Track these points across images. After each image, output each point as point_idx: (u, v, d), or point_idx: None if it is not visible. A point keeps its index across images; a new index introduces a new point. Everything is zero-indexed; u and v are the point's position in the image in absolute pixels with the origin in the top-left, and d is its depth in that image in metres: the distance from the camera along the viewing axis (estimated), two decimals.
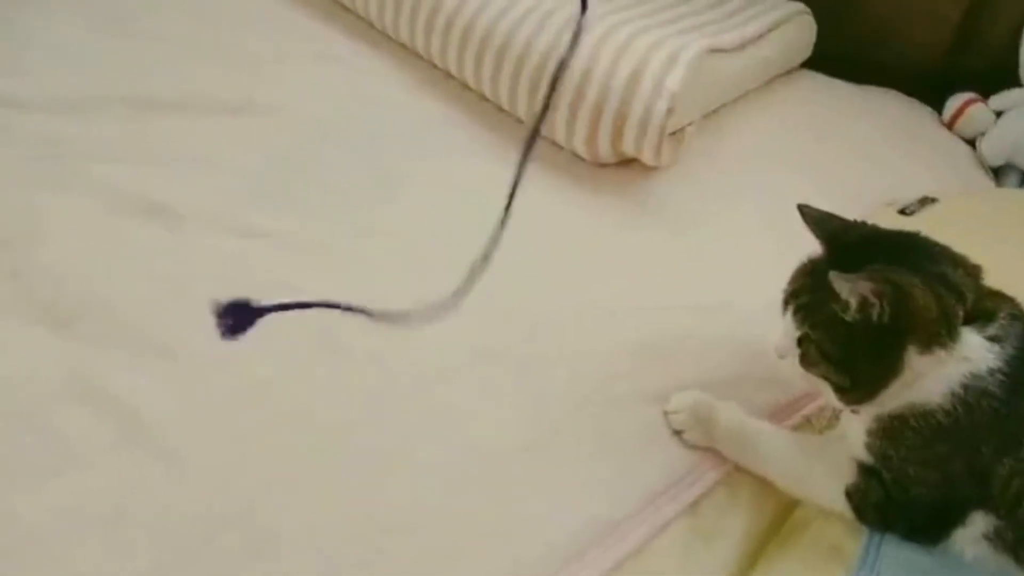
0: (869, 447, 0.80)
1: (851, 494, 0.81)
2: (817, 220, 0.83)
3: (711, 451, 0.90)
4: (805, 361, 0.81)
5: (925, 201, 1.17)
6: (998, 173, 1.33)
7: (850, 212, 1.09)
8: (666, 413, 0.92)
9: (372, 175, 1.16)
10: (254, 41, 1.33)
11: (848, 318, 0.75)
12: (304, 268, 1.04)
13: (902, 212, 1.16)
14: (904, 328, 0.75)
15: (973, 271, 0.81)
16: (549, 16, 1.21)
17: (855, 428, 0.82)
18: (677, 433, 0.91)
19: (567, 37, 1.17)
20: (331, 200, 1.12)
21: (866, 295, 0.74)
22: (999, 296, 0.81)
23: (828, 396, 0.82)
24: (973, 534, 0.78)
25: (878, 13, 1.37)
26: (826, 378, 0.80)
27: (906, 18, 1.37)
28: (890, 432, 0.78)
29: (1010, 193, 1.30)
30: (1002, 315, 0.78)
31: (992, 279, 0.83)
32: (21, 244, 1.02)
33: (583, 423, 0.92)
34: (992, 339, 0.76)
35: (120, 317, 0.97)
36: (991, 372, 0.75)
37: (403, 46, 1.37)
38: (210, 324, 0.96)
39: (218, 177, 1.13)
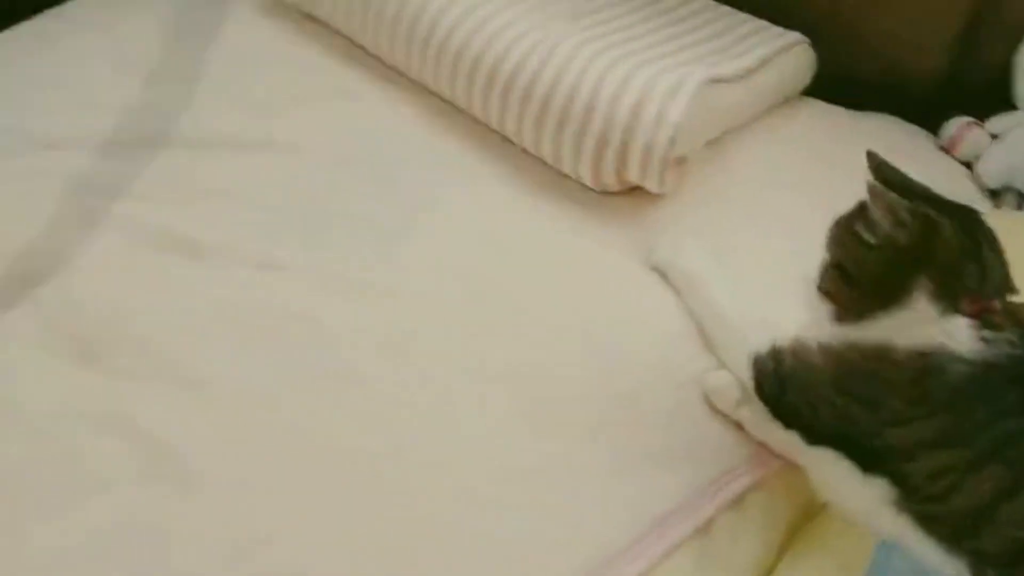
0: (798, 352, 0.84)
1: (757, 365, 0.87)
2: (883, 168, 0.84)
3: (719, 472, 0.93)
4: (824, 284, 0.83)
5: None
6: (996, 195, 1.35)
7: None
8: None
9: (392, 209, 1.18)
10: (272, 79, 1.36)
11: (872, 240, 0.78)
12: (325, 300, 1.07)
13: None
14: (922, 262, 0.76)
15: (1007, 280, 0.81)
16: (554, 49, 1.23)
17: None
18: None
19: (573, 66, 1.20)
20: (352, 233, 1.15)
21: (900, 212, 0.76)
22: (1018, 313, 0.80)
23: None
24: (873, 495, 0.79)
25: (875, 41, 1.40)
26: (830, 294, 0.82)
27: (902, 46, 1.39)
28: (843, 358, 0.80)
29: (1008, 215, 1.31)
30: (1008, 333, 0.75)
31: None
32: (52, 280, 1.05)
33: (593, 447, 0.95)
34: (984, 340, 0.75)
35: (149, 350, 1.00)
36: (963, 362, 0.74)
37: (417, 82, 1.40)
38: (237, 355, 1.00)
39: (240, 213, 1.16)
